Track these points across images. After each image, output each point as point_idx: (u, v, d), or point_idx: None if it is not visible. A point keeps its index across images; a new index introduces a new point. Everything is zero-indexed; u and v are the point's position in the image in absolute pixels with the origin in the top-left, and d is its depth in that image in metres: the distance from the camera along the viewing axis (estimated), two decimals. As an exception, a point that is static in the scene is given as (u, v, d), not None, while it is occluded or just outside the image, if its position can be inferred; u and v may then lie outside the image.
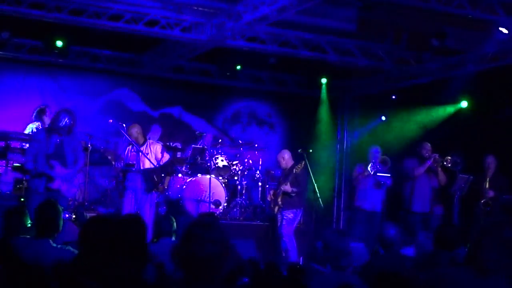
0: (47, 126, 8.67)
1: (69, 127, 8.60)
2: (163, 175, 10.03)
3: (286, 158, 10.52)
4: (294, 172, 10.16)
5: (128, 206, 9.56)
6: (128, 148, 9.84)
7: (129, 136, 9.75)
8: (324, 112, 14.18)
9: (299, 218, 10.55)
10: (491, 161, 10.45)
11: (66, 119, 8.54)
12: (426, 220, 10.59)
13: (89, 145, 10.96)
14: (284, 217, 10.28)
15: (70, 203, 10.16)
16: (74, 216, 9.83)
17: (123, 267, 3.83)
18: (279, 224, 10.39)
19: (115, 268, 3.80)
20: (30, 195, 8.56)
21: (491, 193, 10.31)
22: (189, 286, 3.21)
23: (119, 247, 3.96)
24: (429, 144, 10.63)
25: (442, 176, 10.62)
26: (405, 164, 10.84)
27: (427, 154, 10.54)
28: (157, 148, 9.87)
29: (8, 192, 10.47)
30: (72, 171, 8.66)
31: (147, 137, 10.17)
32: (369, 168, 11.20)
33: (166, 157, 9.94)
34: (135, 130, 9.82)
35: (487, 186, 10.37)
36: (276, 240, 10.50)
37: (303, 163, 10.29)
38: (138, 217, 4.40)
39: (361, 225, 11.20)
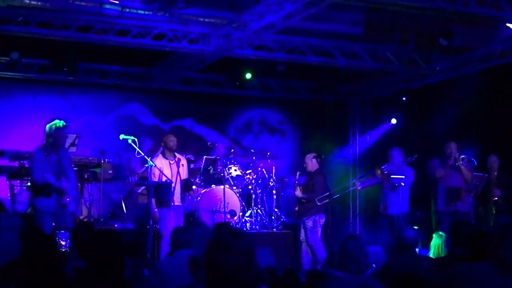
0: (41, 145, 8.57)
1: (62, 142, 8.60)
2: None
3: (309, 162, 10.47)
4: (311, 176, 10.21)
5: (169, 221, 9.40)
6: (145, 161, 9.56)
7: (165, 147, 9.73)
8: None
9: (322, 223, 10.32)
10: (494, 161, 10.41)
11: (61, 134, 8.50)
12: (452, 218, 10.49)
13: (102, 161, 10.99)
14: (306, 225, 10.20)
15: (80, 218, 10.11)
16: None
17: None
18: (300, 232, 10.34)
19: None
20: (40, 217, 8.34)
21: (498, 192, 10.28)
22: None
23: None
24: (453, 143, 10.55)
25: (467, 174, 10.50)
26: (428, 165, 10.84)
27: (449, 153, 10.50)
28: (185, 162, 9.95)
29: (24, 212, 10.49)
30: (75, 185, 8.67)
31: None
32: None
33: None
34: (173, 140, 9.80)
35: (493, 185, 10.34)
36: (295, 247, 10.46)
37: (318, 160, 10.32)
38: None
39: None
